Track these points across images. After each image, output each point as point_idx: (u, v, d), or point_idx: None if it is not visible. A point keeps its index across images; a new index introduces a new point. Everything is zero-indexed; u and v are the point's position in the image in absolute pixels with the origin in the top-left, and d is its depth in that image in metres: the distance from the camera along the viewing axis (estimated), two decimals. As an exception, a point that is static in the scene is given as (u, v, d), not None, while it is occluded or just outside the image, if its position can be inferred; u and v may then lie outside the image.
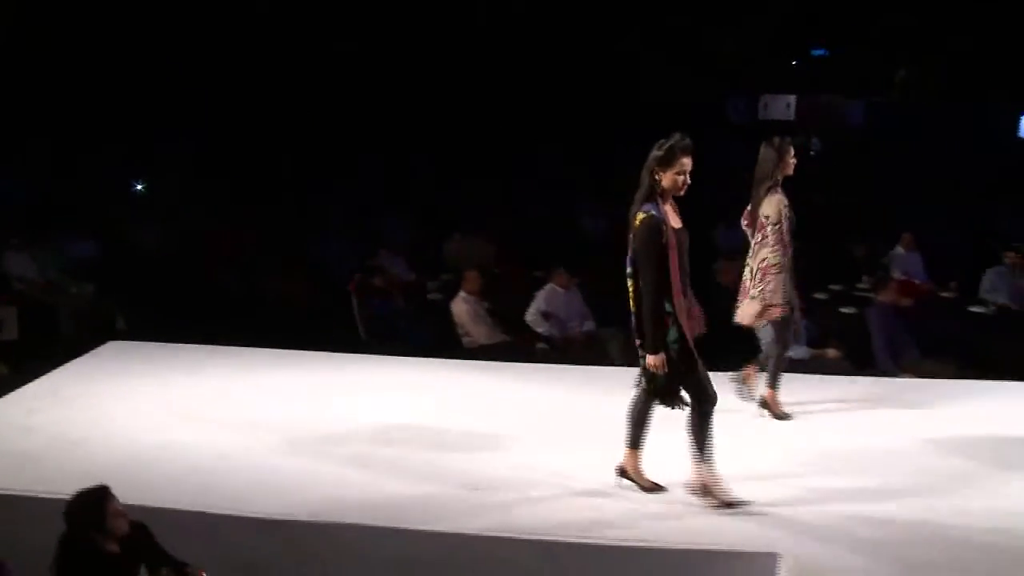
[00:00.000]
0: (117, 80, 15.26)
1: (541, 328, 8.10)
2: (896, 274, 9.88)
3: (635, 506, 4.55)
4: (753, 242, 5.66)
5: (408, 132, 16.10)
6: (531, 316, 8.12)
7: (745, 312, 5.66)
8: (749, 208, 5.70)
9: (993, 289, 9.48)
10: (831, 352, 7.78)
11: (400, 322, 8.53)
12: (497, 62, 18.09)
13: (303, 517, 4.38)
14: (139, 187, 14.69)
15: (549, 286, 8.27)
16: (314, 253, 10.70)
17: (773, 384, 5.72)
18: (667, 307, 4.39)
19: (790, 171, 5.63)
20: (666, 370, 4.38)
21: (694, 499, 4.47)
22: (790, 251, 5.60)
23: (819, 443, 5.33)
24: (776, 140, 5.68)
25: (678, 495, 4.60)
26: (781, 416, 5.69)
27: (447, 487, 4.75)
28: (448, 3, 18.30)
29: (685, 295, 4.46)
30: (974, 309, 9.16)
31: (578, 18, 20.18)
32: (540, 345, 8.03)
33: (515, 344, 7.89)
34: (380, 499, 4.62)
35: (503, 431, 5.52)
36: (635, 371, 4.62)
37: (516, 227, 11.46)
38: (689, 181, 4.44)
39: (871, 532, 4.28)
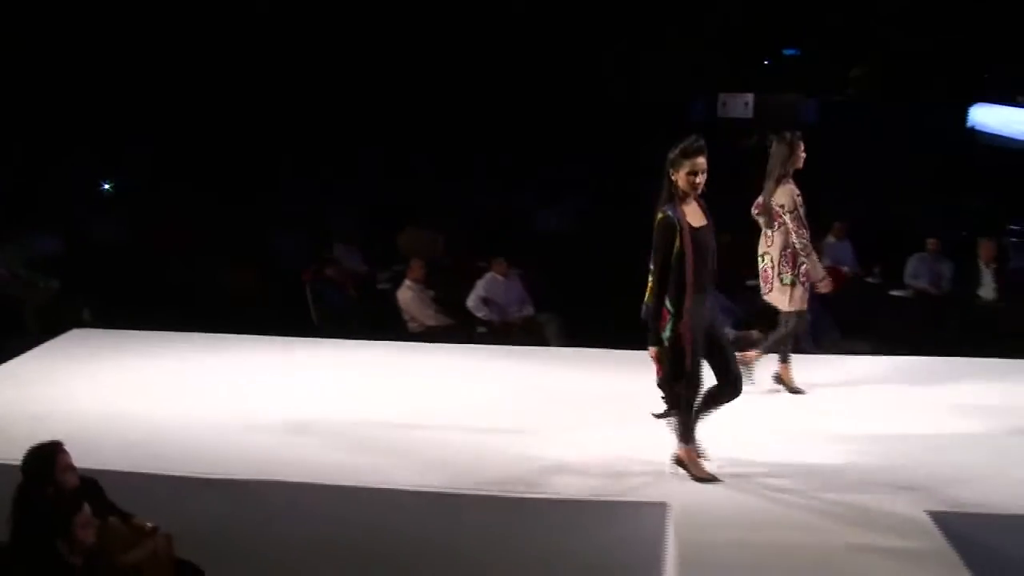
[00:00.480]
0: (85, 84, 15.66)
1: (481, 313, 8.52)
2: (826, 261, 10.44)
3: (542, 464, 5.00)
4: (770, 231, 6.01)
5: (363, 130, 16.60)
6: (472, 302, 8.54)
7: (784, 297, 5.98)
8: (761, 199, 6.05)
9: (915, 275, 10.03)
10: (755, 334, 8.27)
11: (350, 309, 8.97)
12: (454, 62, 18.51)
13: (246, 476, 4.85)
14: (106, 186, 15.08)
15: (489, 274, 8.69)
16: (272, 247, 11.10)
17: (786, 359, 6.16)
18: (668, 305, 4.56)
19: (800, 164, 5.99)
20: (658, 364, 4.64)
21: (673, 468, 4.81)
22: (808, 234, 5.96)
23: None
24: (787, 135, 6.03)
25: (583, 454, 5.11)
26: (796, 390, 6.11)
27: (376, 448, 5.23)
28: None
29: (702, 292, 4.60)
30: (895, 293, 9.71)
31: (539, 19, 20.63)
32: (480, 329, 8.46)
33: (457, 328, 8.33)
34: (314, 461, 5.07)
35: (432, 402, 6.01)
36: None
37: (469, 222, 11.92)
38: (701, 181, 4.53)
39: (756, 486, 4.73)
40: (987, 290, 9.59)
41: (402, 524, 4.66)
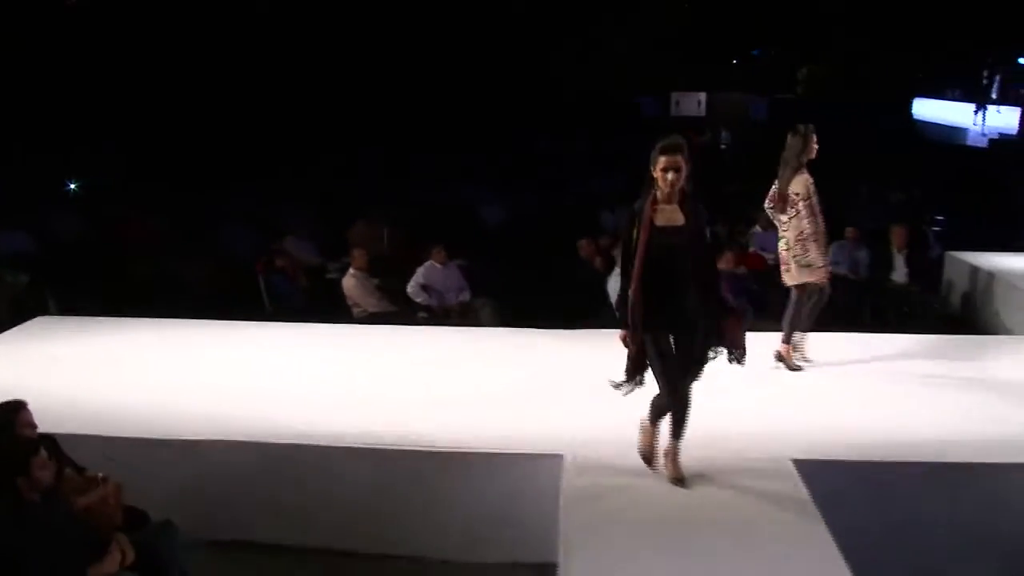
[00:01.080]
0: (50, 86, 16.16)
1: (420, 299, 9.04)
2: (753, 249, 11.10)
3: (449, 421, 5.61)
4: (786, 218, 6.45)
5: (319, 133, 17.23)
6: (411, 288, 9.07)
7: (799, 277, 6.50)
8: (776, 190, 6.48)
9: (835, 261, 10.56)
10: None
11: (300, 296, 9.52)
12: (410, 63, 19.14)
13: (194, 437, 5.42)
14: (72, 186, 15.58)
15: (429, 262, 9.21)
16: (227, 242, 11.64)
17: (789, 339, 6.64)
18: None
19: (813, 155, 6.40)
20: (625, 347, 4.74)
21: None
22: (821, 221, 6.41)
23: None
24: (801, 128, 6.43)
25: (482, 413, 5.73)
26: (793, 367, 6.61)
27: (312, 410, 5.81)
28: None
29: (665, 292, 4.56)
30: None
31: (500, 21, 21.25)
32: (421, 314, 8.97)
33: (398, 314, 8.85)
34: (257, 422, 5.62)
35: (366, 376, 6.59)
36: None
37: (417, 215, 12.52)
38: (673, 179, 4.49)
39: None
40: (899, 274, 10.23)
41: (334, 475, 5.27)
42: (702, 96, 23.65)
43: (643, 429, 4.91)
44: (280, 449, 5.35)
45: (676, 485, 4.75)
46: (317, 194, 14.20)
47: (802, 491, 4.77)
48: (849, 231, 10.70)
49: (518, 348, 7.18)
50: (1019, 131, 19.30)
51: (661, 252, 4.54)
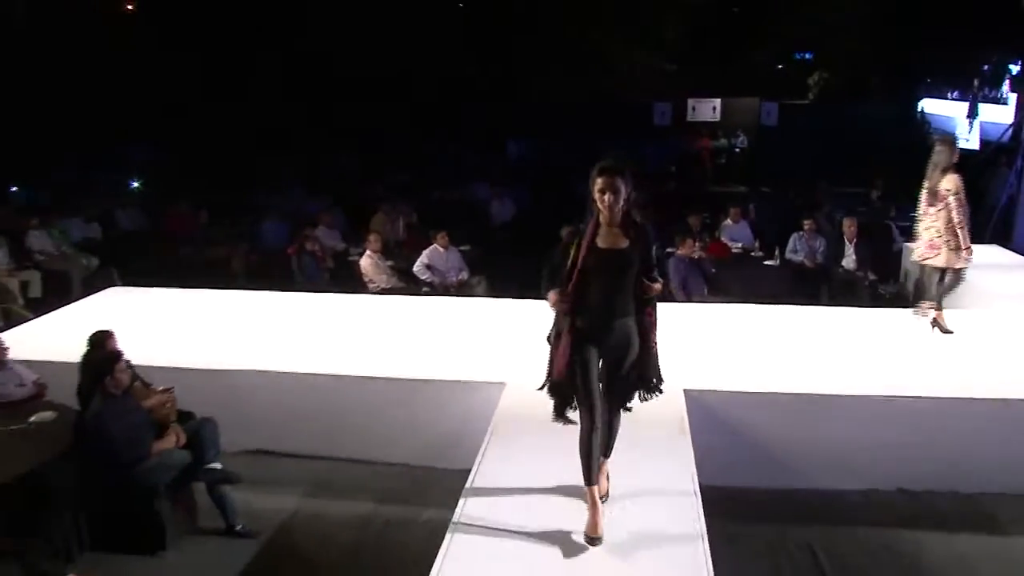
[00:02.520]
0: (108, 99, 18.40)
1: (424, 276, 10.64)
2: (724, 239, 12.57)
3: (431, 361, 7.21)
4: (935, 210, 7.61)
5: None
6: (417, 268, 10.67)
7: (951, 259, 7.63)
8: (927, 187, 7.70)
9: (794, 250, 11.91)
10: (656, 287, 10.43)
11: (326, 274, 11.25)
12: (435, 72, 21.01)
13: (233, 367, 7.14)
14: (134, 185, 17.63)
15: (432, 246, 10.81)
16: (263, 232, 13.52)
17: (940, 307, 7.91)
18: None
19: (957, 158, 7.66)
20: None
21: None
22: (968, 213, 7.63)
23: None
24: (949, 136, 7.91)
25: (456, 355, 7.34)
26: (946, 330, 7.86)
27: (326, 348, 7.48)
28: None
29: (601, 314, 4.47)
30: (767, 262, 11.75)
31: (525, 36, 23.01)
32: (424, 289, 10.57)
33: (406, 289, 10.49)
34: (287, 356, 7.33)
35: (375, 333, 8.20)
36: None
37: (430, 207, 14.28)
38: (608, 200, 4.33)
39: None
40: (848, 261, 11.59)
41: (346, 399, 6.97)
42: (717, 102, 24.86)
43: (587, 498, 4.61)
44: (298, 378, 7.02)
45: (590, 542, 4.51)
46: (341, 192, 16.08)
47: (683, 412, 6.20)
48: (806, 223, 11.97)
49: (498, 312, 8.78)
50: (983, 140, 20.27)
51: (595, 275, 4.43)
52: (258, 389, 6.99)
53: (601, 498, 4.67)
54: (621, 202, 4.37)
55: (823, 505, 6.37)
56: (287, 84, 20.70)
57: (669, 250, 10.66)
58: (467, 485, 5.12)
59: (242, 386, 6.99)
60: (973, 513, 6.21)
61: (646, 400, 4.78)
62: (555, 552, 4.48)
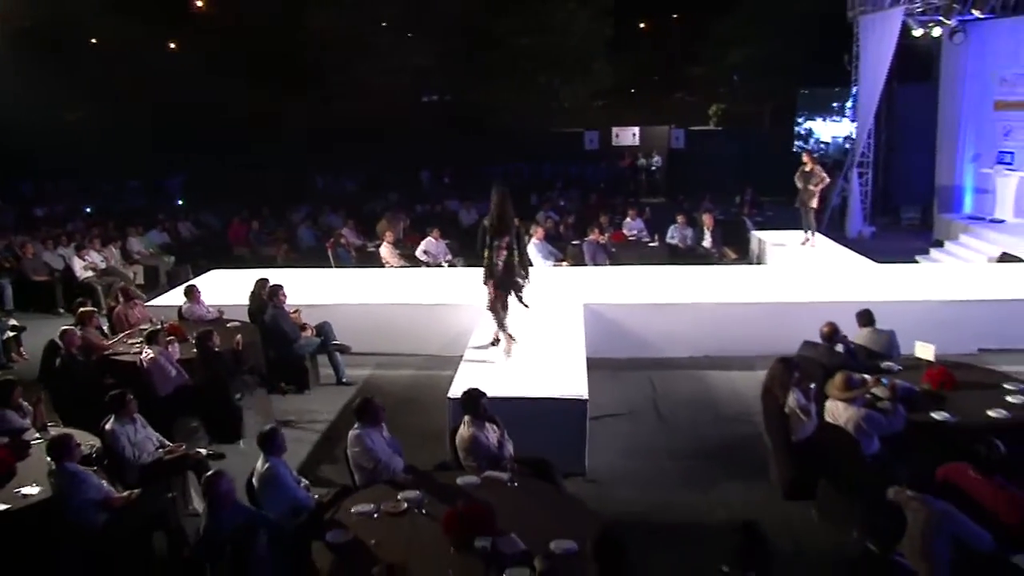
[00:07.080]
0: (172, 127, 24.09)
1: (423, 258, 15.83)
2: (624, 231, 17.95)
3: (431, 296, 12.50)
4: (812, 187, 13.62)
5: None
6: (418, 253, 15.87)
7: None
8: (798, 177, 13.50)
9: (671, 236, 17.37)
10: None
11: (353, 260, 16.49)
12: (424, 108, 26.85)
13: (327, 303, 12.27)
14: (180, 202, 22.86)
15: (428, 238, 16.07)
16: (300, 237, 18.77)
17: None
18: None
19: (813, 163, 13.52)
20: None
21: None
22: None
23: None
24: (808, 149, 13.72)
25: (448, 292, 12.63)
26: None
27: (372, 296, 12.67)
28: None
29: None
30: (651, 244, 17.15)
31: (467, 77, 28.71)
32: (422, 266, 15.79)
33: (411, 267, 15.73)
34: (349, 296, 12.48)
35: (399, 288, 13.42)
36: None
37: (415, 217, 19.75)
38: (494, 219, 9.24)
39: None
40: (706, 242, 17.02)
41: (383, 320, 12.16)
42: (636, 129, 30.29)
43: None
44: (365, 307, 12.19)
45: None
46: (349, 206, 21.53)
47: (582, 314, 11.53)
48: (679, 217, 17.48)
49: (467, 276, 13.80)
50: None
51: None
52: (344, 313, 12.07)
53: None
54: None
55: (660, 362, 11.66)
56: (310, 128, 26.14)
57: (587, 239, 16.04)
58: (462, 359, 10.06)
59: (335, 312, 12.06)
60: (739, 362, 11.50)
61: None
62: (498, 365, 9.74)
